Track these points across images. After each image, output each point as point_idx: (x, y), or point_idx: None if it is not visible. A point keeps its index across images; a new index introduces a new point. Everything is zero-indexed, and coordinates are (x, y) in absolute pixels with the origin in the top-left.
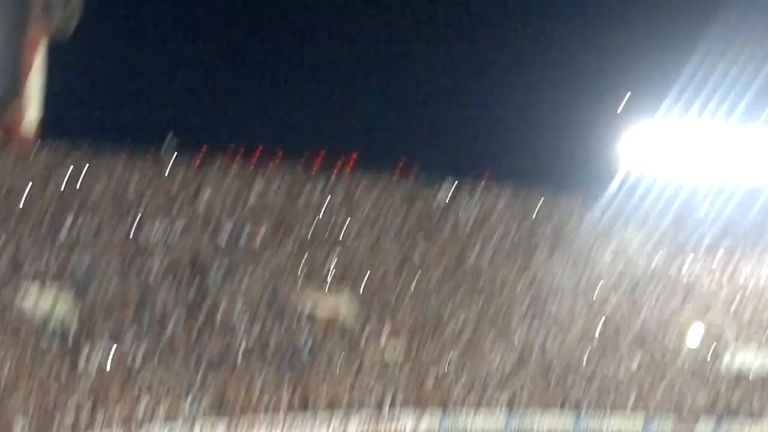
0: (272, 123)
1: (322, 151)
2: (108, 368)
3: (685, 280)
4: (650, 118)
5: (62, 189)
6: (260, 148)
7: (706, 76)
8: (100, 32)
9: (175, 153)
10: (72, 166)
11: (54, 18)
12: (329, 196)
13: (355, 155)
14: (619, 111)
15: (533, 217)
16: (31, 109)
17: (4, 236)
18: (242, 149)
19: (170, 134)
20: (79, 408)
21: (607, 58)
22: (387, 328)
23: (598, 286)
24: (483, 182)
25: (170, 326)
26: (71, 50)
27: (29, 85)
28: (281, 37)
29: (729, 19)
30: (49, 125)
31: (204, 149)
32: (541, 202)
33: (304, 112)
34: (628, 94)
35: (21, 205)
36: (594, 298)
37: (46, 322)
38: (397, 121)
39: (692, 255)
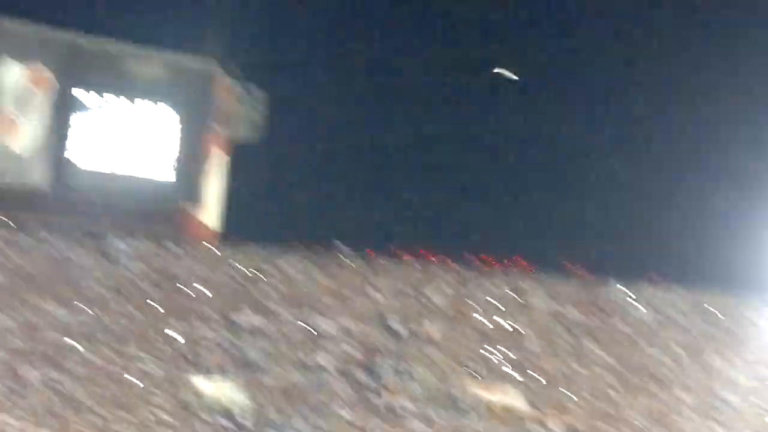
0: (436, 227)
1: (485, 255)
2: None
3: None
4: None
5: (241, 287)
6: (422, 251)
7: None
8: (278, 143)
9: (345, 253)
10: (251, 266)
11: (235, 126)
12: (500, 291)
13: (518, 258)
14: None
15: (711, 322)
16: (212, 213)
17: (183, 330)
18: (407, 253)
19: (337, 242)
20: None
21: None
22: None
23: None
24: (655, 284)
25: (342, 412)
26: (252, 157)
27: (210, 191)
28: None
29: None
30: (230, 226)
31: (370, 251)
32: (716, 307)
33: (467, 217)
34: None
35: (200, 301)
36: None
37: (222, 413)
38: (563, 224)
39: None
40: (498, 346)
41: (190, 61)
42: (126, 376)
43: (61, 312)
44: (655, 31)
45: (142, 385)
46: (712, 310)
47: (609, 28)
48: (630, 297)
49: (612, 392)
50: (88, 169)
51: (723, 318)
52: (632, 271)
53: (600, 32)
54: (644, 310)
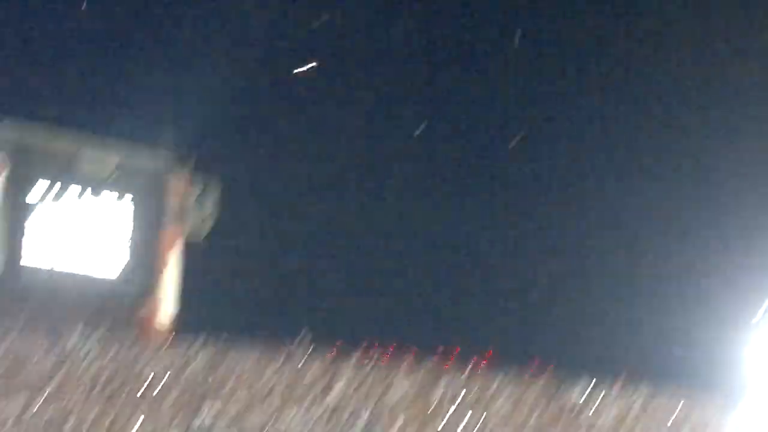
0: (406, 320)
1: (457, 348)
2: None
3: None
4: None
5: (197, 382)
6: (393, 345)
7: None
8: (232, 234)
9: (309, 348)
10: (206, 360)
11: (188, 221)
12: (463, 392)
13: (489, 352)
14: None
15: (672, 420)
16: (166, 307)
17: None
18: (376, 345)
19: (303, 331)
20: None
21: (746, 262)
22: None
23: None
24: (620, 382)
25: None
26: (205, 251)
27: (165, 284)
28: (411, 235)
29: None
30: (184, 321)
31: (337, 345)
32: (680, 404)
33: (438, 309)
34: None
35: (156, 396)
36: None
37: None
38: (533, 319)
39: None
40: None
41: (144, 156)
42: None
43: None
44: None
45: None
46: (678, 415)
47: None
48: (592, 400)
49: None
50: (39, 268)
51: (689, 422)
52: (598, 373)
53: None
54: (607, 414)
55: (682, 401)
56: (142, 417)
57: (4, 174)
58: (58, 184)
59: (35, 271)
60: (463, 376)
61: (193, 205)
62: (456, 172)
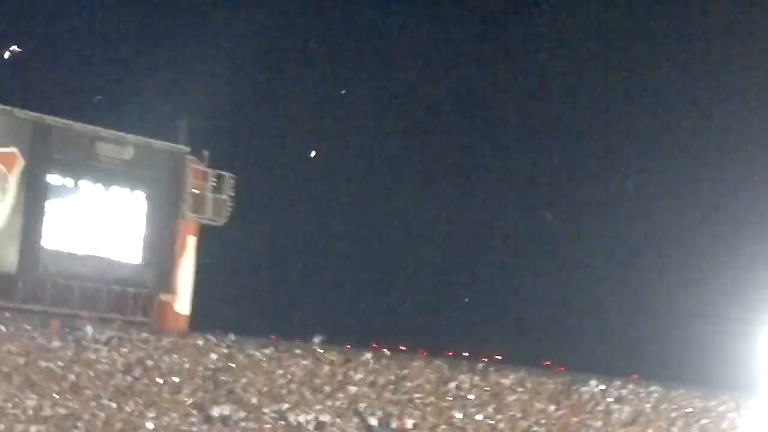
0: (416, 324)
1: (465, 352)
2: None
3: None
4: None
5: (210, 377)
6: (403, 347)
7: None
8: (248, 227)
9: (322, 344)
10: (223, 350)
11: (204, 212)
12: (476, 388)
13: (499, 356)
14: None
15: (684, 420)
16: (181, 301)
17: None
18: (386, 348)
19: (317, 336)
20: None
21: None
22: None
23: None
24: (632, 382)
25: None
26: (220, 245)
27: (179, 277)
28: (422, 244)
29: None
30: (199, 317)
31: (349, 346)
32: (692, 404)
33: (448, 314)
34: None
35: (170, 392)
36: None
37: None
38: (542, 323)
39: None
40: None
41: (161, 145)
42: None
43: (30, 402)
44: None
45: None
46: (690, 410)
47: None
48: (608, 395)
49: None
50: (59, 251)
51: (701, 419)
52: (610, 370)
53: None
54: (622, 409)
55: (695, 398)
56: (161, 406)
57: (19, 169)
58: (75, 173)
59: (55, 254)
60: (475, 373)
61: (209, 196)
62: (457, 173)
